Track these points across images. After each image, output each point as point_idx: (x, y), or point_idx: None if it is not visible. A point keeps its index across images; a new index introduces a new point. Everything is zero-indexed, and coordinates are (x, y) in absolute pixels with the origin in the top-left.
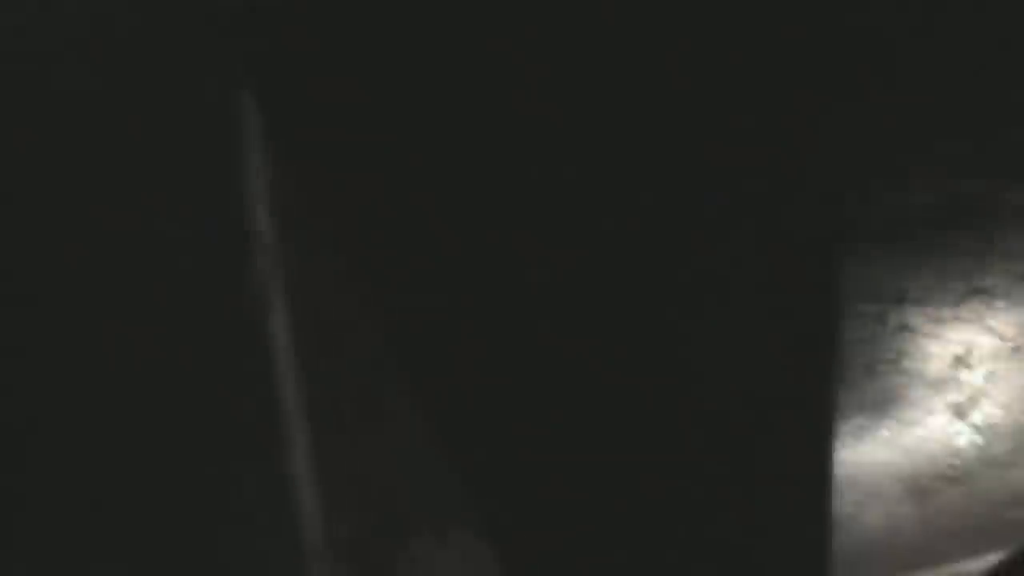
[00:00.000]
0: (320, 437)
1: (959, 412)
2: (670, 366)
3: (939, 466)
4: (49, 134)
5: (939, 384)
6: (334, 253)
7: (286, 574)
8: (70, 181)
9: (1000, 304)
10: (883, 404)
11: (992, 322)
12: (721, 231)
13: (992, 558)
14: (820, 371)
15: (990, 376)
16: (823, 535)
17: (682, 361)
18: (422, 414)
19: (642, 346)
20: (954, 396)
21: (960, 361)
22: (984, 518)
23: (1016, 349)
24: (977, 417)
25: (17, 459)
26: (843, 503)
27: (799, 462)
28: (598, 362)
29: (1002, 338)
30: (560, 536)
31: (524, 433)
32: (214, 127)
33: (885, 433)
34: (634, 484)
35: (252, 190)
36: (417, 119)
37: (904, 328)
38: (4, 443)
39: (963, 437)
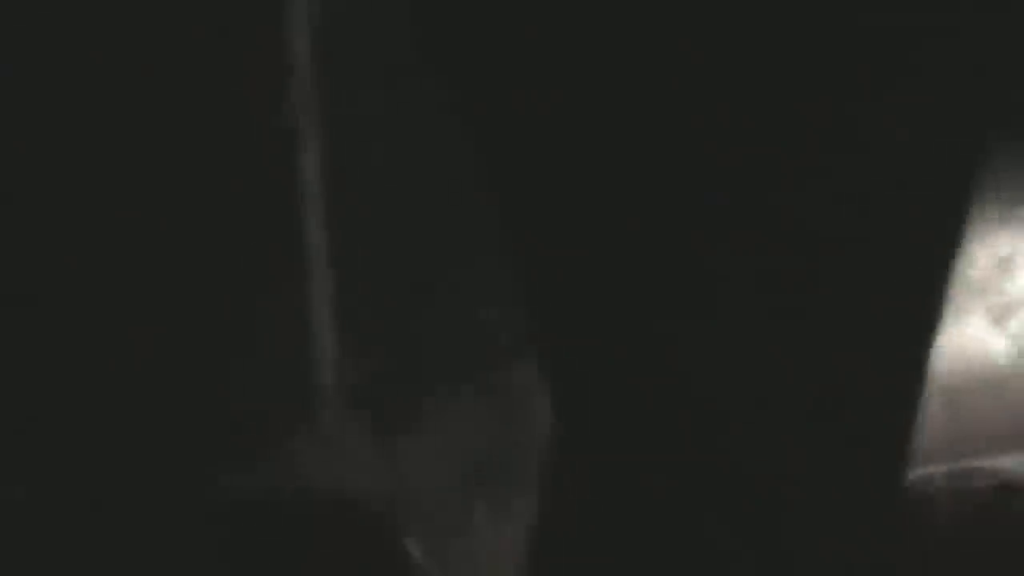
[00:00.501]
0: (342, 282)
1: (997, 317)
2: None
3: (972, 369)
4: None
5: (980, 288)
6: (376, 88)
7: (296, 417)
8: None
9: None
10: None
11: None
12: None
13: (1019, 457)
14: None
15: None
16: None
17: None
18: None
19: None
20: (995, 300)
21: (1004, 265)
22: (1014, 423)
23: None
24: (1014, 325)
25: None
26: None
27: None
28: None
29: None
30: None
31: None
32: None
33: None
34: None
35: (292, 13)
36: None
37: None
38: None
39: (999, 343)
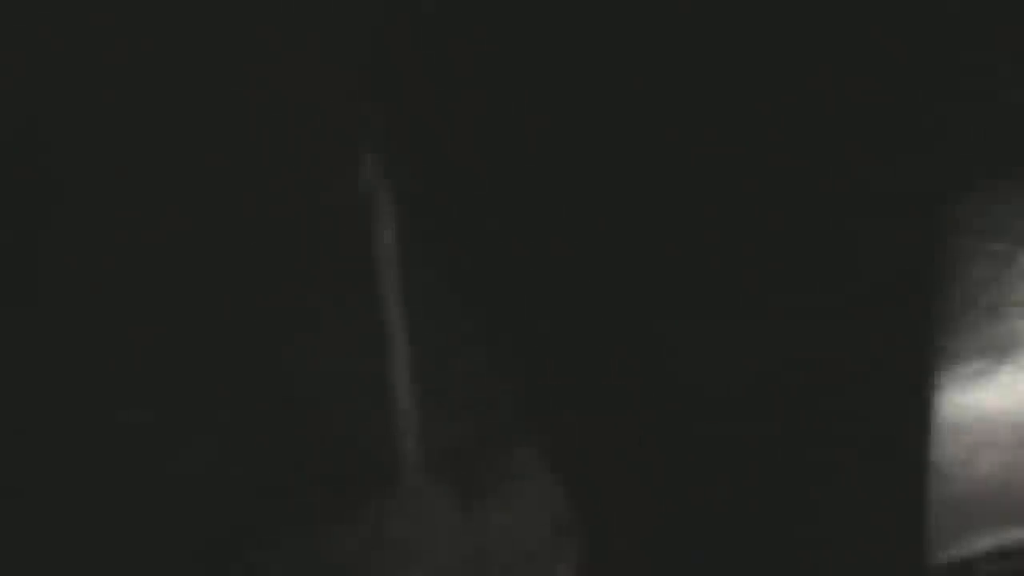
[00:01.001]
0: (421, 339)
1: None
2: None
3: None
4: None
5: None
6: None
7: (381, 482)
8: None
9: None
10: (1005, 348)
11: None
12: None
13: None
14: (937, 311)
15: None
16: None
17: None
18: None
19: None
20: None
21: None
22: None
23: None
24: None
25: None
26: (955, 450)
27: (902, 407)
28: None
29: None
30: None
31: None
32: None
33: (1004, 378)
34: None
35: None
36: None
37: None
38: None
39: None
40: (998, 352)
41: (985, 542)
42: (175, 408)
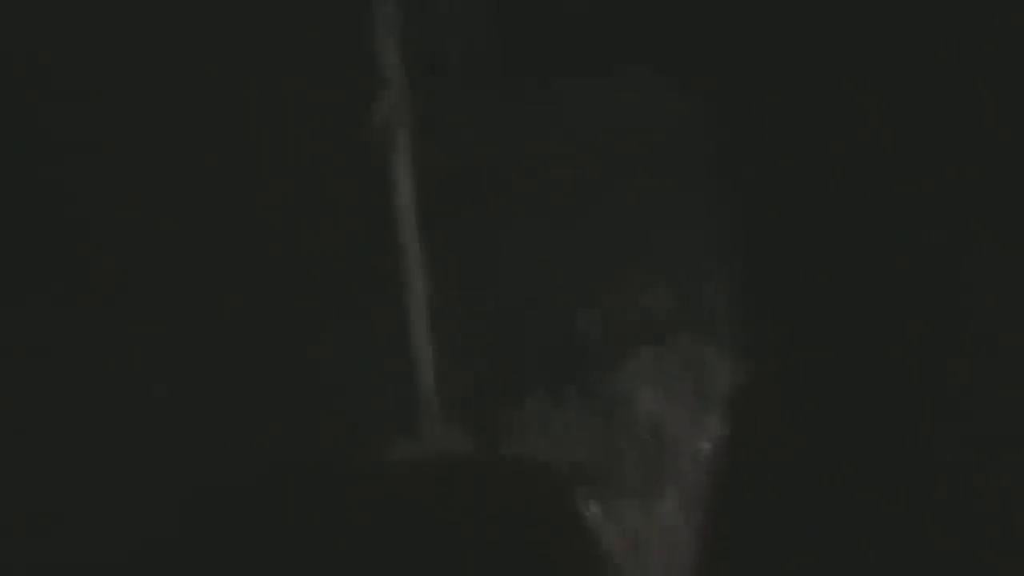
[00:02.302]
0: (438, 289)
1: None
2: None
3: None
4: None
5: None
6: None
7: (399, 428)
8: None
9: None
10: None
11: None
12: None
13: None
14: None
15: None
16: None
17: None
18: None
19: None
20: None
21: None
22: None
23: None
24: None
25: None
26: None
27: None
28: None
29: None
30: None
31: None
32: None
33: None
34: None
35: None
36: None
37: None
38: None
39: None
40: None
41: None
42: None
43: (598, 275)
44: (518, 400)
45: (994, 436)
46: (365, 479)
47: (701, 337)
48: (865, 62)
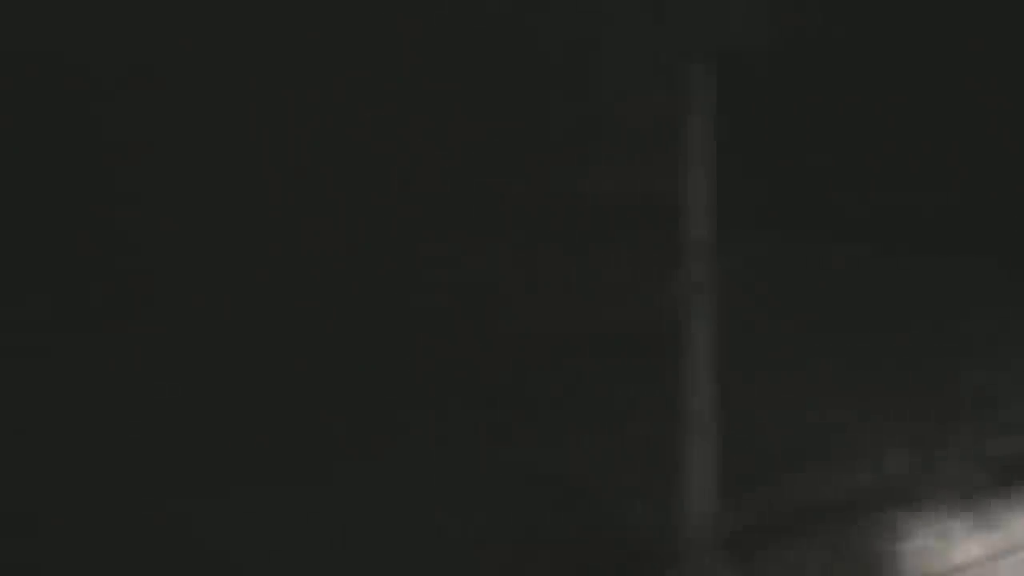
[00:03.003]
0: (724, 438)
1: None
2: None
3: None
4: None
5: None
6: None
7: (668, 560)
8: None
9: None
10: None
11: None
12: None
13: None
14: None
15: None
16: None
17: None
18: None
19: None
20: None
21: None
22: None
23: None
24: None
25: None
26: None
27: None
28: None
29: None
30: None
31: None
32: (663, 100)
33: None
34: None
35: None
36: (867, 108)
37: None
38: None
39: None
40: None
41: None
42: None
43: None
44: (788, 543)
45: None
46: None
47: None
48: None
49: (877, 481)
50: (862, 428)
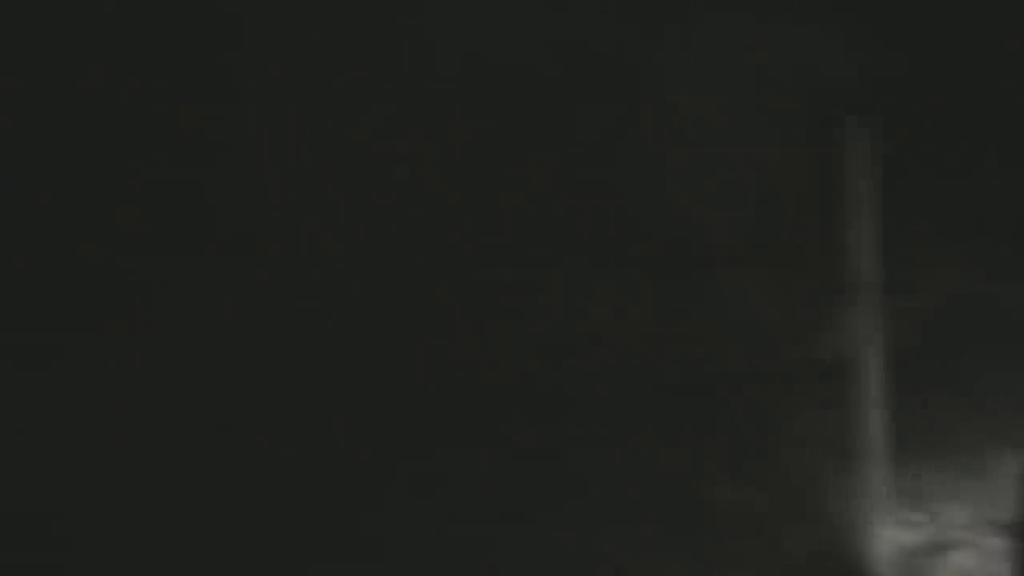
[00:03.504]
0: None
1: None
2: None
3: None
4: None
5: None
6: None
7: None
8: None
9: None
10: None
11: None
12: None
13: None
14: None
15: None
16: None
17: None
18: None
19: None
20: None
21: None
22: None
23: None
24: None
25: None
26: None
27: None
28: None
29: None
30: None
31: None
32: (829, 151)
33: None
34: None
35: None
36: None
37: None
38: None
39: None
40: None
41: None
42: None
43: None
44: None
45: None
46: None
47: None
48: None
49: None
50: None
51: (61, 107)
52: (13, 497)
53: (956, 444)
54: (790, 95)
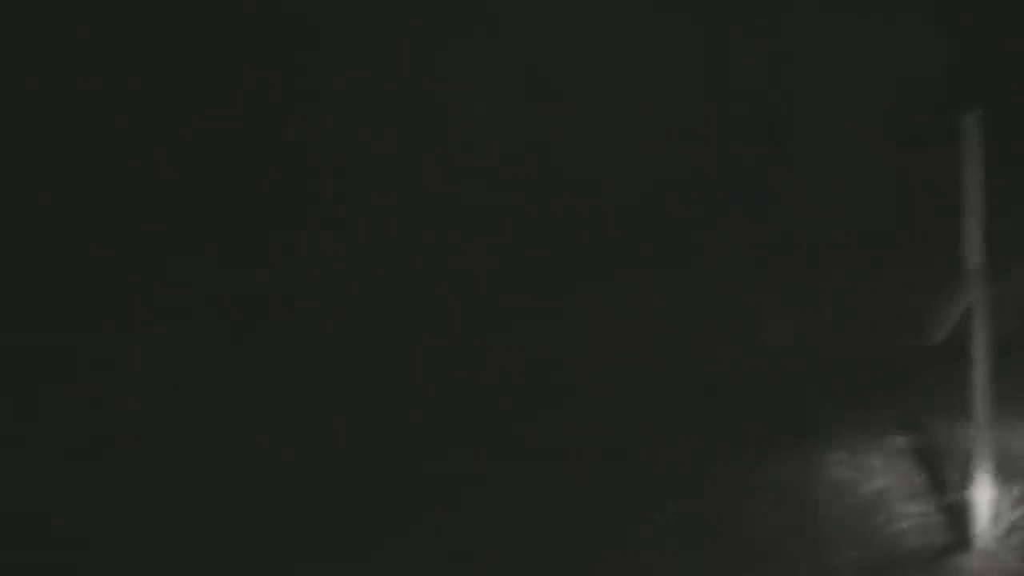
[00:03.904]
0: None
1: None
2: None
3: None
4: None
5: None
6: None
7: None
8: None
9: None
10: None
11: None
12: None
13: None
14: None
15: None
16: None
17: None
18: None
19: None
20: None
21: None
22: None
23: None
24: None
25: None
26: None
27: None
28: None
29: None
30: None
31: None
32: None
33: None
34: None
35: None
36: None
37: None
38: None
39: None
40: None
41: None
42: None
43: None
44: None
45: None
46: None
47: None
48: None
49: None
50: None
51: (105, 106)
52: (13, 497)
53: None
54: (894, 89)
